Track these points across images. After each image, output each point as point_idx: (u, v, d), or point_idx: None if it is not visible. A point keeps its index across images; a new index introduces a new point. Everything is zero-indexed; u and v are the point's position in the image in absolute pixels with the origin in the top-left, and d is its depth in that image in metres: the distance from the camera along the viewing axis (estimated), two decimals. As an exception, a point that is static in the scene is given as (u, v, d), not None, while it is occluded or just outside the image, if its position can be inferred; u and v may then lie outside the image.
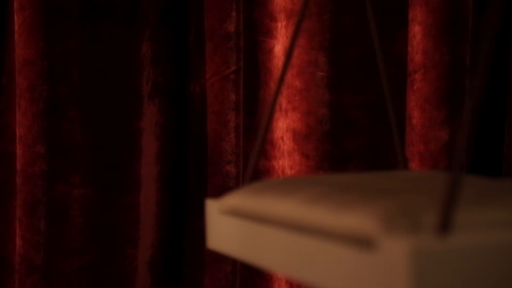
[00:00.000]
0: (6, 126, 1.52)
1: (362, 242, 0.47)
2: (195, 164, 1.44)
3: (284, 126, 1.23)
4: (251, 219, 0.59)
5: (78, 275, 1.40)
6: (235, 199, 0.62)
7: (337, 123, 1.19)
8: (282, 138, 1.24)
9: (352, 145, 1.19)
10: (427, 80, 1.07)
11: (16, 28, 1.40)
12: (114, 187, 1.42)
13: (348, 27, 1.19)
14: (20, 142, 1.40)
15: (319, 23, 1.19)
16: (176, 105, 1.45)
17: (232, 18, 1.33)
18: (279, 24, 1.25)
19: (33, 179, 1.39)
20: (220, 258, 1.36)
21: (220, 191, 1.35)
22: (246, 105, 1.28)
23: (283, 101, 1.23)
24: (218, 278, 1.37)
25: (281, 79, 0.63)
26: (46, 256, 1.39)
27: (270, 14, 1.25)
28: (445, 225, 0.44)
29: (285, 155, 1.24)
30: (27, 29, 1.38)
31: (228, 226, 0.62)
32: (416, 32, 1.08)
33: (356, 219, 0.49)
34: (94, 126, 1.41)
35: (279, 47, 1.24)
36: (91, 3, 1.40)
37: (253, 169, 0.67)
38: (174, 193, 1.46)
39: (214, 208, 0.65)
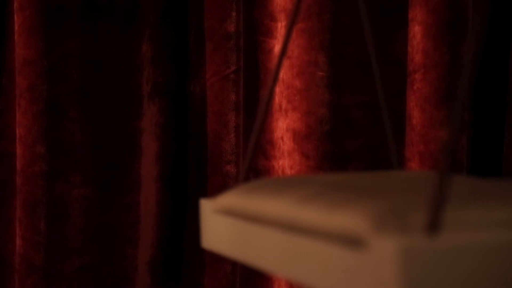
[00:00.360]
0: (6, 126, 1.52)
1: (352, 242, 0.47)
2: (195, 164, 1.44)
3: (284, 126, 1.23)
4: (243, 219, 0.59)
5: (78, 275, 1.40)
6: (228, 199, 0.62)
7: (337, 123, 1.19)
8: (282, 138, 1.24)
9: (352, 145, 1.19)
10: (427, 80, 1.07)
11: (16, 28, 1.40)
12: (114, 187, 1.42)
13: (348, 27, 1.19)
14: (20, 142, 1.41)
15: (319, 23, 1.19)
16: (176, 105, 1.45)
17: (232, 18, 1.33)
18: (279, 24, 1.24)
19: (33, 179, 1.39)
20: (220, 258, 1.36)
21: (220, 191, 1.34)
22: (246, 105, 1.28)
23: (283, 101, 1.23)
24: (218, 278, 1.37)
25: (274, 81, 0.63)
26: (46, 256, 1.39)
27: (270, 14, 1.25)
28: (434, 225, 0.44)
29: (285, 155, 1.23)
30: (27, 29, 1.38)
31: (222, 225, 0.62)
32: (416, 32, 1.08)
33: (346, 219, 0.49)
34: (94, 126, 1.41)
35: (279, 47, 1.24)
36: (91, 3, 1.40)
37: (247, 168, 0.66)
38: (174, 193, 1.46)
39: (208, 208, 0.65)
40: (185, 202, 1.46)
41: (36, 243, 1.39)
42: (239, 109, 1.32)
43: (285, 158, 1.23)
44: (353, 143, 1.19)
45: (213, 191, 1.35)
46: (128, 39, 1.42)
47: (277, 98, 1.24)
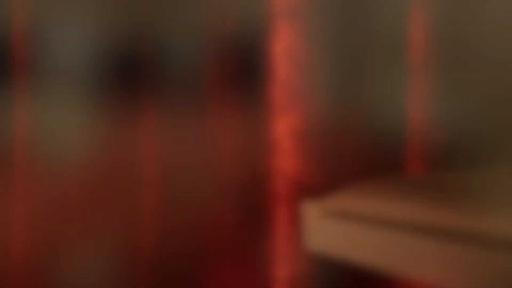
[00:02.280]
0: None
1: None
2: (196, 164, 1.44)
3: (284, 126, 1.23)
4: (364, 221, 0.58)
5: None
6: (338, 202, 0.62)
7: (337, 123, 1.19)
8: (282, 138, 1.24)
9: (352, 145, 1.19)
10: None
11: (16, 27, 1.40)
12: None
13: (349, 27, 1.19)
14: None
15: (319, 23, 1.19)
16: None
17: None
18: (279, 24, 1.24)
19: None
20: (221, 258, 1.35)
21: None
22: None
23: (283, 101, 1.23)
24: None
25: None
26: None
27: (270, 14, 1.25)
28: None
29: (285, 155, 1.23)
30: (28, 28, 1.38)
31: (333, 228, 0.61)
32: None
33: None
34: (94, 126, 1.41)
35: (279, 47, 1.24)
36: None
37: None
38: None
39: (313, 211, 0.64)
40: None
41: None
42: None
43: (285, 158, 1.23)
44: (353, 143, 1.19)
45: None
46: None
47: (277, 98, 1.24)
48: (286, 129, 1.23)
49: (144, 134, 1.44)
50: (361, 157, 1.20)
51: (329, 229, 0.61)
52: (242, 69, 1.29)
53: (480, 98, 1.07)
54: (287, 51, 1.21)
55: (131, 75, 1.43)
